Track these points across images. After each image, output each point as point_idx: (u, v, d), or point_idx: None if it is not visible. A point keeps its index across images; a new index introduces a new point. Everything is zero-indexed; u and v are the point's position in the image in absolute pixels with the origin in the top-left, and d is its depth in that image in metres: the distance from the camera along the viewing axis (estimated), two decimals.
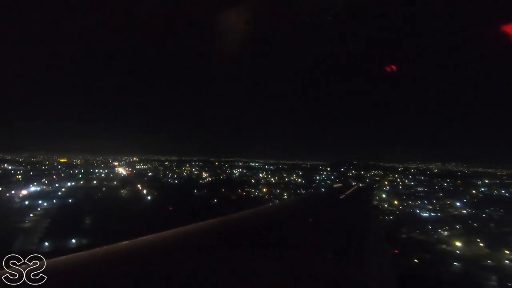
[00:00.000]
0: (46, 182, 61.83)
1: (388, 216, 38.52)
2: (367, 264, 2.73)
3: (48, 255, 1.67)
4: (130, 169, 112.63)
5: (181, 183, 71.23)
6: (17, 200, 42.93)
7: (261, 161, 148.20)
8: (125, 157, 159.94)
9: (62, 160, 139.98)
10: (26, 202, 41.09)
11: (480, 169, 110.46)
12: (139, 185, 59.71)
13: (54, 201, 42.20)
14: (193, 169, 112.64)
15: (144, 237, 2.08)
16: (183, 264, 1.79)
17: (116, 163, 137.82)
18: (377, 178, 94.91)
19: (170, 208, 42.32)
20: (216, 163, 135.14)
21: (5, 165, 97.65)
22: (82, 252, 1.77)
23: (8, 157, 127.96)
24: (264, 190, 60.85)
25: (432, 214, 39.10)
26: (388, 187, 72.78)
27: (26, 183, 58.00)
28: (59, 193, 48.81)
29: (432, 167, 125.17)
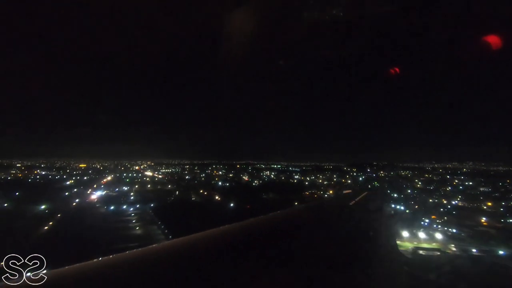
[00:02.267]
0: (102, 186, 59.68)
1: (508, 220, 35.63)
2: (379, 273, 2.65)
3: None
4: (161, 173, 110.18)
5: (233, 186, 68.54)
6: (98, 205, 40.57)
7: (275, 163, 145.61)
8: (139, 161, 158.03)
9: (81, 166, 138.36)
10: (112, 207, 38.69)
11: (505, 168, 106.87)
12: (201, 190, 57.28)
13: (138, 205, 39.74)
14: (219, 172, 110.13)
15: (142, 248, 2.02)
16: (185, 274, 1.73)
17: (137, 167, 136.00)
18: (422, 178, 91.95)
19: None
20: (238, 166, 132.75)
21: (38, 170, 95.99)
22: (85, 262, 1.69)
23: (29, 163, 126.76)
24: (331, 192, 58.26)
25: None
26: (449, 187, 70.10)
27: (83, 188, 55.92)
28: (132, 198, 46.32)
29: (450, 166, 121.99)
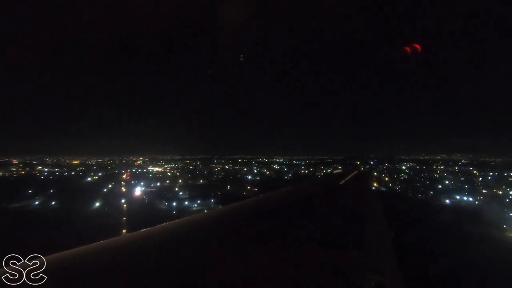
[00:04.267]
0: (132, 182, 55.14)
1: None
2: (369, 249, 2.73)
3: None
4: (170, 168, 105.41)
5: (267, 180, 65.81)
6: (156, 202, 36.52)
7: (273, 157, 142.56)
8: (130, 157, 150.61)
9: (74, 162, 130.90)
10: (173, 204, 34.84)
11: (498, 160, 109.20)
12: (241, 184, 54.08)
13: (198, 201, 36.05)
14: (227, 166, 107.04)
15: (141, 231, 2.06)
16: (185, 256, 1.77)
17: (136, 163, 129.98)
18: (440, 169, 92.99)
19: None
20: (239, 160, 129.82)
21: (39, 167, 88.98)
22: (82, 247, 1.70)
23: (19, 160, 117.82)
24: (375, 184, 56.74)
25: None
26: (482, 178, 70.62)
27: (114, 184, 51.34)
28: (180, 193, 42.38)
29: (439, 158, 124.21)
